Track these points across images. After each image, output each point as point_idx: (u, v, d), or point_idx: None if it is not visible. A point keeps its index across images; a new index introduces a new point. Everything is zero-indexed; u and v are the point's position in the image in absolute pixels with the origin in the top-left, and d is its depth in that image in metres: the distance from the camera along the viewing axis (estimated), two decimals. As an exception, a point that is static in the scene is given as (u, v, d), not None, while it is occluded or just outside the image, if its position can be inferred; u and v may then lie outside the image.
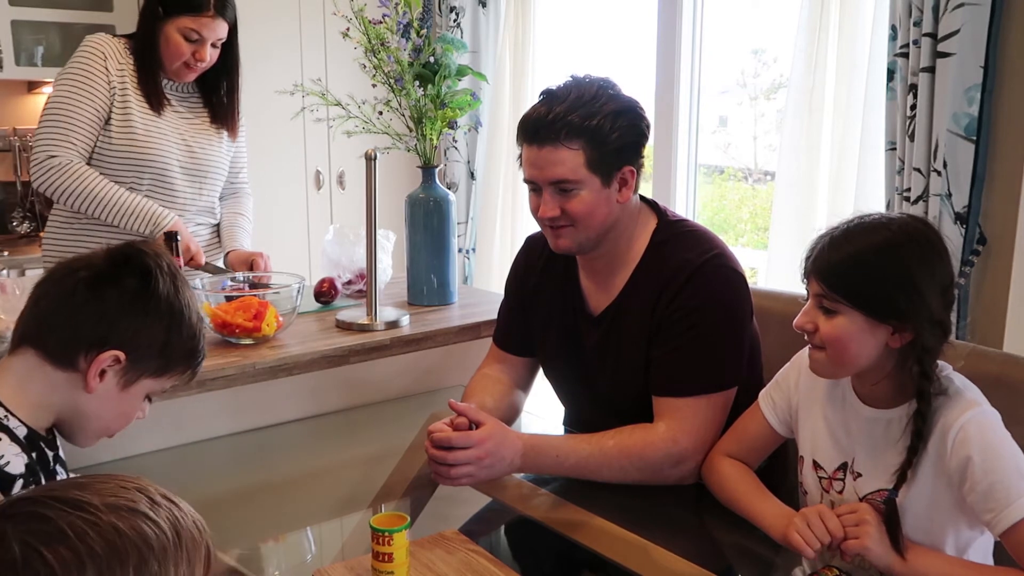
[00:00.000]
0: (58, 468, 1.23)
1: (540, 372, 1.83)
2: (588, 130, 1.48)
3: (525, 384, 1.81)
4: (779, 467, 1.59)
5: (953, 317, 1.50)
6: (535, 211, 1.57)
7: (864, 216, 1.27)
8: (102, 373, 1.17)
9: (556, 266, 1.70)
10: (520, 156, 1.56)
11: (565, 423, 1.83)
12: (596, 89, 1.51)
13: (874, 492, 1.30)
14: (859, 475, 1.32)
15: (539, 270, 1.74)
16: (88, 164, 2.15)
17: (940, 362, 1.27)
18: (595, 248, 1.59)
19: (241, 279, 2.11)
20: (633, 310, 1.59)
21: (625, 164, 1.53)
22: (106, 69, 2.13)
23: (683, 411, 1.52)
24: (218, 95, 2.27)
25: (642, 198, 1.64)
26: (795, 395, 1.43)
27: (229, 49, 2.22)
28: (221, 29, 2.14)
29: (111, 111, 2.14)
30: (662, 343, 1.55)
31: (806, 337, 1.30)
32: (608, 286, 1.63)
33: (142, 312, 1.18)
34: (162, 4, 2.11)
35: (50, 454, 1.21)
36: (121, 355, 1.17)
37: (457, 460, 1.43)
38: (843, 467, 1.34)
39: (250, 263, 2.20)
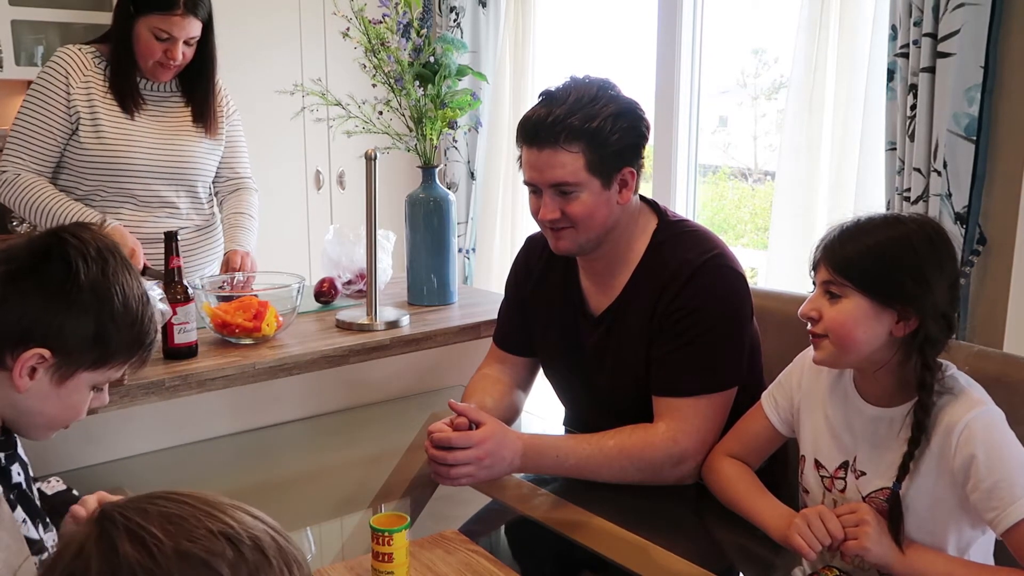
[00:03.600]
0: (15, 468, 1.19)
1: (540, 372, 1.83)
2: (588, 132, 1.48)
3: (525, 384, 1.81)
4: (779, 467, 1.59)
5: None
6: (535, 213, 1.57)
7: (876, 213, 1.29)
8: (32, 371, 1.12)
9: (556, 267, 1.70)
10: (520, 158, 1.56)
11: (565, 423, 1.83)
12: (596, 91, 1.51)
13: (877, 491, 1.30)
14: (862, 474, 1.32)
15: (539, 270, 1.74)
16: (56, 177, 2.16)
17: (945, 361, 1.27)
18: (595, 249, 1.59)
19: (216, 282, 2.08)
20: (633, 310, 1.59)
21: (625, 166, 1.53)
22: (66, 85, 2.11)
23: (683, 411, 1.52)
24: (197, 94, 2.25)
25: (642, 198, 1.64)
26: (797, 394, 1.43)
27: (205, 48, 2.19)
28: (193, 28, 2.10)
29: (77, 124, 2.12)
30: (662, 343, 1.55)
31: (808, 327, 1.30)
32: (608, 287, 1.63)
33: (64, 305, 1.11)
34: (133, 2, 2.09)
35: (1, 455, 1.17)
36: (46, 352, 1.11)
37: (457, 460, 1.43)
38: (844, 465, 1.35)
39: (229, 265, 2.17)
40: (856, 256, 1.25)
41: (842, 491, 1.35)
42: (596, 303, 1.65)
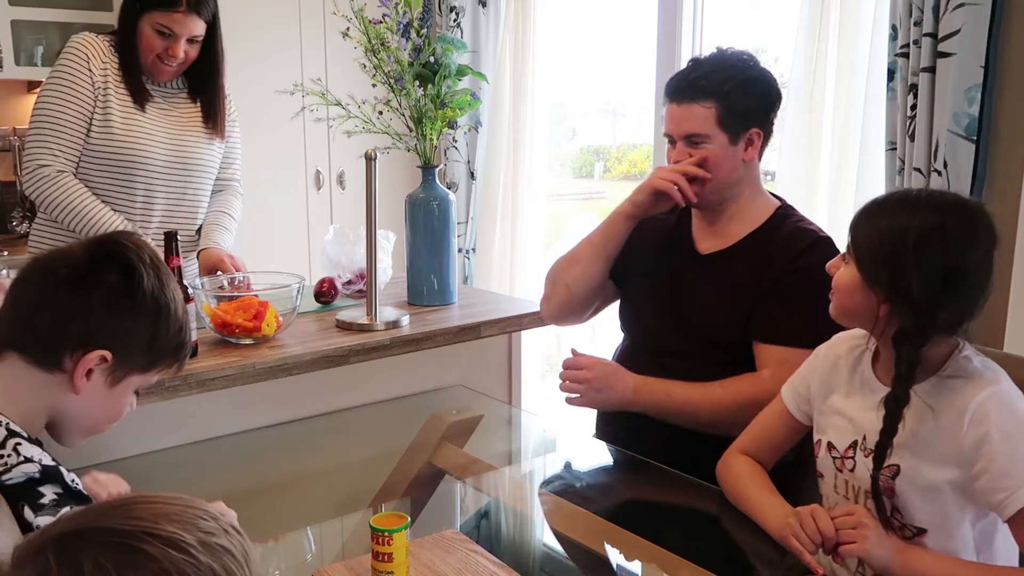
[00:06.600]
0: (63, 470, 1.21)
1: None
2: (721, 91, 1.64)
3: (595, 300, 1.90)
4: (804, 463, 1.58)
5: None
6: (670, 162, 1.72)
7: (909, 193, 1.31)
8: (88, 372, 1.16)
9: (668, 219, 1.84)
10: (664, 115, 1.74)
11: (621, 344, 1.90)
12: (734, 59, 1.69)
13: (884, 467, 1.29)
14: (872, 452, 1.31)
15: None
16: (77, 168, 2.15)
17: (962, 341, 1.28)
18: (718, 204, 1.72)
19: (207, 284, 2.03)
20: (743, 258, 1.70)
21: (752, 126, 1.68)
22: (89, 70, 2.11)
23: (789, 361, 1.56)
24: (205, 94, 2.25)
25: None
26: (814, 380, 1.44)
27: (210, 49, 2.19)
28: (195, 26, 2.10)
29: (94, 111, 2.12)
30: (775, 295, 1.65)
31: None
32: (722, 235, 1.74)
33: (128, 311, 1.16)
34: None
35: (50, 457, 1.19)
36: (108, 355, 1.15)
37: (571, 377, 1.66)
38: (854, 445, 1.35)
39: (216, 269, 2.12)
40: (860, 230, 1.29)
41: (852, 471, 1.35)
42: (705, 245, 1.77)
